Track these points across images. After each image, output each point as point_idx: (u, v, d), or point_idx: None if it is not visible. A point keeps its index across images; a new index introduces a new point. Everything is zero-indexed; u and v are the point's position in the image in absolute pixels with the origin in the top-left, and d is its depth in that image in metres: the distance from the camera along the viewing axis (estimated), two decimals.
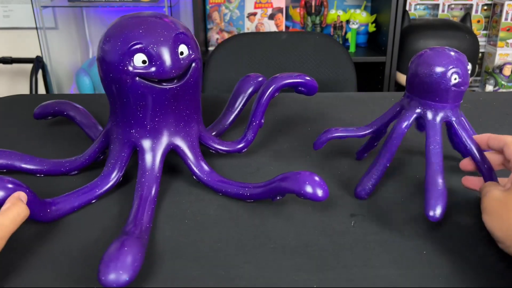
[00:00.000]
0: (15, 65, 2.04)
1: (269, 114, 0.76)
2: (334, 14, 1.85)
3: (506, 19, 1.86)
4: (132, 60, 0.49)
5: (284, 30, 1.87)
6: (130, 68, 0.50)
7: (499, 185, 0.47)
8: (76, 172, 0.58)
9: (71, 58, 2.03)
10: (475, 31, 1.96)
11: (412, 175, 0.58)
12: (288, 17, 1.91)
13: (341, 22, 1.81)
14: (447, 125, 0.53)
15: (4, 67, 2.06)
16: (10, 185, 0.43)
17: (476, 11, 1.95)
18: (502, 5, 1.85)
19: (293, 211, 0.51)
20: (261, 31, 1.85)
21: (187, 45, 0.52)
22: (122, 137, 0.54)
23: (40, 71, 1.93)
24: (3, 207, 0.42)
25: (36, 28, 1.80)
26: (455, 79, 0.50)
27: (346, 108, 0.79)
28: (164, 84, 0.51)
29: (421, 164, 0.61)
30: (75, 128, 0.70)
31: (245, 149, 0.61)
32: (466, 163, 0.53)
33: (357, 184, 0.53)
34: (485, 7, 1.95)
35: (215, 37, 1.87)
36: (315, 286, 0.41)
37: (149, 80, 0.50)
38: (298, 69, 1.22)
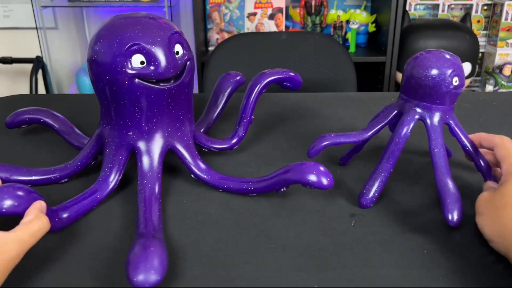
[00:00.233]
0: (15, 65, 2.04)
1: (268, 114, 0.76)
2: (334, 14, 1.85)
3: (506, 19, 1.86)
4: (130, 61, 0.49)
5: (284, 30, 1.87)
6: (128, 69, 0.49)
7: (496, 185, 0.49)
8: (66, 180, 0.56)
9: (71, 58, 2.03)
10: (475, 31, 1.96)
11: (412, 175, 0.58)
12: (288, 17, 1.91)
13: (341, 22, 1.81)
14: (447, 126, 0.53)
15: (4, 67, 2.06)
16: (20, 193, 0.42)
17: (476, 11, 1.95)
18: (502, 5, 1.85)
19: (294, 211, 0.51)
20: (261, 31, 1.85)
21: (181, 44, 0.52)
22: (118, 140, 0.54)
23: (40, 71, 1.93)
24: (25, 219, 0.41)
25: (36, 28, 1.80)
26: (456, 81, 0.50)
27: (346, 108, 0.79)
28: (162, 84, 0.51)
29: (421, 164, 0.61)
30: (52, 134, 0.68)
31: (237, 146, 0.61)
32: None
33: (360, 192, 0.52)
34: (485, 7, 1.95)
35: (215, 37, 1.87)
36: (315, 286, 0.41)
37: (146, 80, 0.50)
38: (298, 69, 1.22)
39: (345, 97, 0.87)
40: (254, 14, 1.84)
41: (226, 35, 1.86)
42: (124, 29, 0.50)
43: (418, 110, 0.52)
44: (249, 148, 0.65)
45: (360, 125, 0.61)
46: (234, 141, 0.61)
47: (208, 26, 1.86)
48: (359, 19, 1.82)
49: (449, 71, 0.50)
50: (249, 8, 1.84)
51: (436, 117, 0.52)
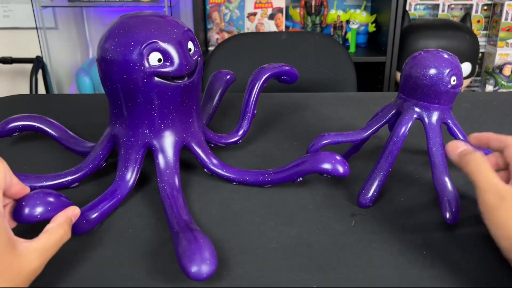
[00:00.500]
0: (15, 65, 2.04)
1: (268, 114, 0.76)
2: (334, 14, 1.85)
3: (506, 19, 1.86)
4: (148, 59, 0.49)
5: (284, 30, 1.87)
6: (147, 67, 0.49)
7: (490, 168, 0.43)
8: (76, 184, 0.55)
9: (71, 58, 2.03)
10: (475, 31, 1.96)
11: (412, 175, 0.58)
12: (288, 17, 1.91)
13: (341, 22, 1.81)
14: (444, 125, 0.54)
15: (4, 67, 2.06)
16: (51, 199, 0.42)
17: (476, 11, 1.95)
18: (502, 5, 1.85)
19: (294, 211, 0.51)
20: (261, 31, 1.85)
21: (193, 41, 0.53)
22: (134, 139, 0.53)
23: (40, 71, 1.93)
24: (49, 226, 0.40)
25: (36, 28, 1.80)
26: (454, 81, 0.50)
27: (346, 108, 0.79)
28: (176, 81, 0.51)
29: (420, 164, 0.61)
30: (43, 141, 0.67)
31: (241, 140, 0.62)
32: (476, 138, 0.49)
33: (359, 192, 0.52)
34: (485, 7, 1.95)
35: (215, 37, 1.87)
36: (315, 286, 0.41)
37: (164, 78, 0.50)
38: (298, 69, 1.21)
39: (345, 97, 0.87)
40: (254, 14, 1.84)
41: (226, 35, 1.86)
42: (140, 28, 0.50)
43: (417, 109, 0.52)
44: (249, 148, 0.65)
45: (360, 125, 0.61)
46: (239, 135, 0.62)
47: (208, 26, 1.86)
48: (359, 19, 1.82)
49: (447, 71, 0.50)
50: (249, 8, 1.84)
51: (434, 116, 0.52)
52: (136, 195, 0.54)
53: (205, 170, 0.57)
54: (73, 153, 0.62)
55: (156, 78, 0.50)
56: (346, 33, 1.84)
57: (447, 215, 0.48)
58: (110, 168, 0.59)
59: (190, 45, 0.52)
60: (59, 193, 0.43)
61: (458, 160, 0.45)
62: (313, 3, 1.82)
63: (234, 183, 0.56)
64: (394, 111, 0.55)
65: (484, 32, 1.98)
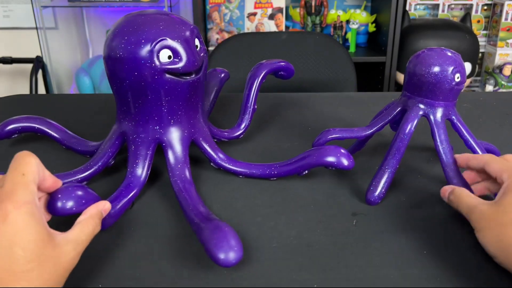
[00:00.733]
0: (15, 65, 2.04)
1: (268, 114, 0.76)
2: (334, 14, 1.85)
3: (506, 19, 1.86)
4: (159, 56, 0.50)
5: (284, 30, 1.87)
6: (157, 65, 0.50)
7: (469, 192, 0.47)
8: (85, 183, 0.55)
9: (71, 58, 2.03)
10: (475, 31, 1.96)
11: (412, 175, 0.58)
12: (288, 17, 1.91)
13: (341, 22, 1.81)
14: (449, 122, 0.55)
15: (4, 67, 2.06)
16: (82, 193, 0.42)
17: (476, 11, 1.96)
18: (502, 5, 1.86)
19: (295, 211, 0.51)
20: (261, 31, 1.85)
21: (199, 38, 0.54)
22: (144, 135, 0.54)
23: (40, 71, 1.93)
24: (80, 219, 0.41)
25: (36, 28, 1.80)
26: (458, 78, 0.51)
27: (346, 108, 0.79)
28: (184, 77, 0.52)
29: (421, 164, 0.61)
30: (42, 142, 0.66)
31: (243, 135, 0.64)
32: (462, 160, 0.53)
33: (368, 189, 0.53)
34: (485, 7, 1.95)
35: (215, 37, 1.87)
36: (315, 286, 0.41)
37: (174, 74, 0.51)
38: (298, 69, 1.22)
39: (345, 97, 0.87)
40: (254, 14, 1.84)
41: (226, 35, 1.86)
42: (149, 26, 0.50)
43: (422, 106, 0.53)
44: (249, 148, 0.65)
45: (360, 125, 0.61)
46: (241, 129, 0.63)
47: (208, 26, 1.86)
48: (359, 19, 1.82)
49: (451, 68, 0.51)
50: (249, 8, 1.84)
51: (439, 113, 0.53)
52: (149, 190, 0.55)
53: (211, 164, 0.58)
54: (75, 153, 0.62)
55: (167, 75, 0.51)
56: (346, 33, 1.84)
57: None
58: (116, 165, 0.59)
59: (197, 42, 0.53)
60: (89, 187, 0.44)
61: (449, 201, 0.49)
62: (313, 3, 1.82)
63: (241, 177, 0.57)
64: (399, 108, 0.56)
65: (484, 32, 1.98)
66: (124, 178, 0.54)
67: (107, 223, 0.47)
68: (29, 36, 1.97)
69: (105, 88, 1.80)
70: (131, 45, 0.50)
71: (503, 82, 1.91)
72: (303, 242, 0.47)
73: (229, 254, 0.40)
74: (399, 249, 0.46)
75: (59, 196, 0.41)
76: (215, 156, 0.57)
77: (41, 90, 1.98)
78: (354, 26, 1.79)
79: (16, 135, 0.63)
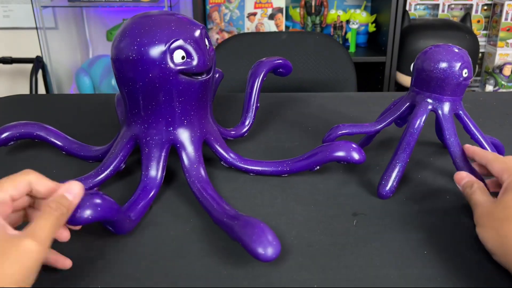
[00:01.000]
0: (15, 65, 2.04)
1: (268, 114, 0.76)
2: (334, 14, 1.85)
3: (506, 19, 1.86)
4: (173, 57, 0.50)
5: (284, 30, 1.87)
6: (172, 66, 0.50)
7: (486, 191, 0.48)
8: (96, 188, 0.54)
9: (71, 58, 2.03)
10: (475, 31, 1.96)
11: (413, 175, 0.58)
12: (288, 17, 1.91)
13: (341, 22, 1.81)
14: (456, 116, 0.56)
15: (4, 67, 2.06)
16: (98, 201, 0.41)
17: (476, 11, 1.96)
18: (502, 5, 1.85)
19: (295, 211, 0.51)
20: (261, 31, 1.85)
21: (207, 38, 0.54)
22: (158, 137, 0.54)
23: (40, 71, 1.93)
24: (39, 212, 0.39)
25: (36, 28, 1.80)
26: (465, 73, 0.53)
27: (346, 108, 0.79)
28: (195, 77, 0.52)
29: (421, 164, 0.61)
30: (40, 149, 0.65)
31: (247, 133, 0.64)
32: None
33: (379, 183, 0.54)
34: (485, 7, 1.95)
35: (215, 37, 1.87)
36: (315, 286, 0.41)
37: (187, 75, 0.51)
38: (298, 69, 1.22)
39: (345, 97, 0.87)
40: (254, 14, 1.84)
41: (226, 35, 1.86)
42: (161, 27, 0.50)
43: (430, 101, 0.55)
44: (249, 148, 0.65)
45: None
46: (246, 127, 0.64)
47: (208, 26, 1.86)
48: (359, 19, 1.82)
49: (459, 64, 0.52)
50: (249, 8, 1.84)
51: (447, 107, 0.54)
52: (164, 192, 0.55)
53: (222, 163, 0.58)
54: (77, 158, 0.61)
55: (181, 76, 0.51)
56: (346, 33, 1.84)
57: None
58: (127, 168, 0.59)
59: (206, 41, 0.53)
60: (108, 197, 0.43)
61: (462, 190, 0.50)
62: (313, 3, 1.82)
63: (252, 174, 0.58)
64: (407, 104, 0.57)
65: (484, 32, 1.98)
66: (136, 181, 0.54)
67: (128, 228, 0.47)
68: (29, 36, 1.97)
69: (105, 88, 1.80)
70: (144, 47, 0.49)
71: (503, 82, 1.91)
72: (303, 242, 0.47)
73: (268, 249, 0.40)
74: (399, 249, 0.46)
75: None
76: (226, 155, 0.57)
77: (41, 90, 1.98)
78: (354, 26, 1.79)
79: (12, 142, 0.61)
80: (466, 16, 1.80)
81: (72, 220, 0.40)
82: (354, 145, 0.53)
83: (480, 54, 1.97)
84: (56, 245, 0.46)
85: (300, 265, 0.44)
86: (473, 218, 0.47)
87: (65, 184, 0.40)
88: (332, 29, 1.82)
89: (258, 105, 0.65)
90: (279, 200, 0.53)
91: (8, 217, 0.39)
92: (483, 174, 0.53)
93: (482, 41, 1.99)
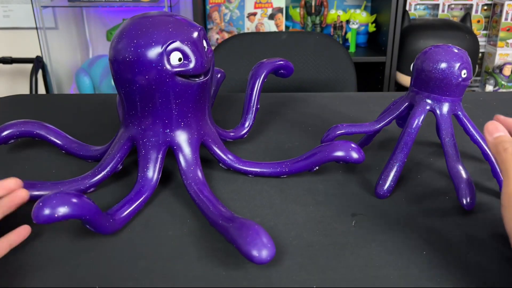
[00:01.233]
0: (15, 65, 2.04)
1: (268, 114, 0.76)
2: (334, 14, 1.85)
3: (506, 19, 1.86)
4: (169, 59, 0.49)
5: (284, 30, 1.87)
6: (169, 67, 0.50)
7: None
8: (93, 189, 0.54)
9: (71, 58, 2.03)
10: (475, 31, 1.96)
11: (413, 175, 0.58)
12: (288, 17, 1.91)
13: (341, 22, 1.81)
14: (455, 117, 0.56)
15: (4, 67, 2.06)
16: (75, 200, 0.41)
17: (476, 11, 1.95)
18: (502, 5, 1.85)
19: (295, 211, 0.51)
20: (261, 31, 1.85)
21: (206, 40, 0.54)
22: (154, 139, 0.54)
23: (40, 71, 1.93)
24: None
25: (36, 28, 1.80)
26: (464, 74, 0.52)
27: (346, 108, 0.79)
28: (192, 79, 0.52)
29: (421, 164, 0.61)
30: (40, 148, 0.65)
31: (247, 134, 0.64)
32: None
33: (377, 184, 0.54)
34: (485, 7, 1.95)
35: (215, 37, 1.87)
36: (315, 286, 0.41)
37: (184, 77, 0.51)
38: (298, 69, 1.22)
39: (345, 97, 0.87)
40: (254, 14, 1.84)
41: (226, 35, 1.86)
42: (158, 28, 0.50)
43: (429, 101, 0.54)
44: (249, 148, 0.65)
45: None
46: (245, 129, 0.64)
47: (208, 26, 1.86)
48: (359, 19, 1.82)
49: (458, 64, 0.52)
50: (249, 8, 1.84)
51: (446, 108, 0.54)
52: (161, 193, 0.55)
53: (220, 165, 0.58)
54: (76, 158, 0.61)
55: (178, 77, 0.50)
56: (346, 33, 1.84)
57: (464, 201, 0.50)
58: (124, 169, 0.59)
59: (204, 43, 0.53)
60: (85, 196, 0.43)
61: (493, 144, 0.42)
62: (313, 3, 1.82)
63: (251, 176, 0.57)
64: (406, 104, 0.57)
65: (484, 32, 1.98)
66: (133, 182, 0.53)
67: (111, 228, 0.47)
68: (29, 36, 1.97)
69: (105, 88, 1.80)
70: (141, 48, 0.49)
71: (503, 82, 1.91)
72: (303, 243, 0.47)
73: (262, 251, 0.40)
74: (399, 249, 0.46)
75: (40, 204, 0.39)
76: (224, 157, 0.57)
77: (41, 90, 1.98)
78: (354, 26, 1.79)
79: (13, 141, 0.62)
80: (466, 16, 1.80)
81: (39, 217, 0.39)
82: (353, 145, 0.53)
83: (480, 54, 1.97)
84: (49, 246, 0.46)
85: (300, 265, 0.44)
86: (503, 190, 0.40)
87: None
88: (332, 29, 1.82)
89: (258, 106, 0.64)
90: (278, 201, 0.53)
91: None
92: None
93: (482, 41, 1.99)
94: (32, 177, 0.58)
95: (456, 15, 1.96)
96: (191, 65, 0.50)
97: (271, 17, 1.84)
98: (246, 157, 0.61)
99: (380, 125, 0.58)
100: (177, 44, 0.49)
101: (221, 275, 0.42)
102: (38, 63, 1.90)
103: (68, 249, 0.46)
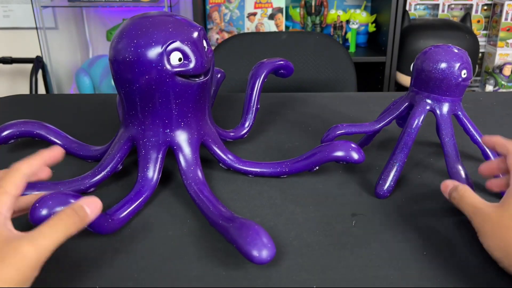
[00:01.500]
0: (15, 65, 2.04)
1: (268, 114, 0.76)
2: (334, 14, 1.85)
3: (506, 19, 1.86)
4: (169, 59, 0.49)
5: (284, 30, 1.87)
6: (169, 67, 0.49)
7: (474, 193, 0.45)
8: (93, 189, 0.54)
9: (71, 58, 2.03)
10: (475, 31, 1.96)
11: (413, 175, 0.58)
12: (288, 17, 1.91)
13: (341, 22, 1.81)
14: (455, 117, 0.56)
15: (4, 67, 2.06)
16: (71, 200, 0.40)
17: (476, 11, 1.95)
18: (502, 5, 1.85)
19: (294, 211, 0.51)
20: (261, 31, 1.85)
21: (206, 40, 0.54)
22: (154, 139, 0.54)
23: (40, 71, 1.93)
24: (50, 219, 0.38)
25: (36, 28, 1.80)
26: (464, 74, 0.53)
27: (346, 108, 0.79)
28: (192, 79, 0.52)
29: (421, 164, 0.61)
30: (43, 146, 0.64)
31: (247, 134, 0.64)
32: (485, 168, 0.50)
33: (377, 184, 0.54)
34: (485, 7, 1.95)
35: (215, 37, 1.87)
36: (315, 286, 0.41)
37: (184, 77, 0.51)
38: (298, 69, 1.22)
39: (345, 97, 0.87)
40: (254, 14, 1.84)
41: (226, 35, 1.86)
42: (158, 28, 0.50)
43: (429, 101, 0.55)
44: (249, 149, 0.65)
45: None
46: (246, 129, 0.64)
47: (208, 26, 1.86)
48: (359, 19, 1.82)
49: (458, 64, 0.52)
50: (249, 8, 1.84)
51: (446, 108, 0.54)
52: (161, 193, 0.55)
53: (221, 165, 0.58)
54: (76, 158, 0.61)
55: (178, 77, 0.50)
56: (346, 33, 1.84)
57: None
58: (125, 169, 0.59)
59: (204, 43, 0.53)
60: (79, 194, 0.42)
61: (449, 198, 0.48)
62: (313, 3, 1.82)
63: (251, 176, 0.57)
64: (406, 104, 0.57)
65: (484, 32, 1.98)
66: (133, 182, 0.53)
67: (108, 228, 0.47)
68: (29, 36, 1.97)
69: (105, 88, 1.80)
70: (141, 48, 0.49)
71: (503, 82, 1.91)
72: (303, 243, 0.47)
73: (262, 251, 0.40)
74: (399, 249, 0.46)
75: (38, 204, 0.39)
76: (224, 157, 0.57)
77: (41, 90, 1.98)
78: (354, 26, 1.79)
79: (13, 141, 0.62)
80: (466, 16, 1.80)
81: (35, 217, 0.39)
82: (353, 145, 0.53)
83: (480, 54, 1.97)
84: None
85: (300, 265, 0.44)
86: (473, 225, 0.44)
87: (87, 197, 0.41)
88: (332, 29, 1.82)
89: (258, 106, 0.64)
90: (278, 201, 0.53)
91: (11, 216, 0.39)
92: (495, 174, 0.50)
93: (482, 41, 1.99)
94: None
95: (456, 15, 1.96)
96: (191, 65, 0.50)
97: (271, 17, 1.84)
98: (246, 157, 0.61)
99: (380, 125, 0.58)
100: (177, 44, 0.49)
101: (221, 275, 0.42)
102: (38, 63, 1.90)
103: (68, 249, 0.45)
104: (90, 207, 0.40)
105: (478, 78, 2.03)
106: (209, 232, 0.48)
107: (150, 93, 0.51)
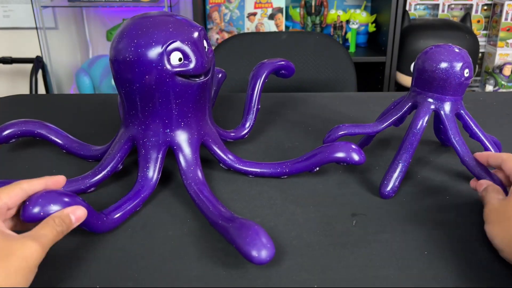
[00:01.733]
0: (15, 65, 2.04)
1: (268, 114, 0.76)
2: (334, 14, 1.85)
3: (506, 19, 1.86)
4: (169, 59, 0.49)
5: (284, 30, 1.87)
6: (169, 67, 0.50)
7: (500, 191, 0.48)
8: (93, 189, 0.54)
9: (71, 58, 2.03)
10: (475, 31, 1.96)
11: (413, 175, 0.58)
12: (288, 17, 1.91)
13: (341, 22, 1.81)
14: (457, 116, 0.56)
15: (4, 67, 2.06)
16: (67, 199, 0.41)
17: (476, 11, 1.95)
18: (502, 5, 1.85)
19: (294, 211, 0.51)
20: (261, 31, 1.85)
21: (206, 40, 0.54)
22: (155, 139, 0.54)
23: (40, 71, 1.93)
24: (47, 219, 0.39)
25: (36, 28, 1.80)
26: (467, 73, 0.53)
27: (346, 108, 0.79)
28: (192, 79, 0.52)
29: (421, 164, 0.61)
30: (41, 147, 0.65)
31: (248, 135, 0.64)
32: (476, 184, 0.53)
33: (381, 184, 0.54)
34: (485, 7, 1.95)
35: (215, 37, 1.87)
36: (315, 286, 0.41)
37: (185, 77, 0.51)
38: (298, 69, 1.22)
39: (345, 97, 0.87)
40: (254, 14, 1.84)
41: (226, 35, 1.86)
42: (158, 28, 0.50)
43: (432, 101, 0.55)
44: (249, 149, 0.65)
45: None
46: (246, 129, 0.64)
47: (208, 26, 1.86)
48: (359, 19, 1.82)
49: (461, 64, 0.52)
50: (249, 8, 1.84)
51: (449, 107, 0.55)
52: (161, 193, 0.55)
53: (221, 165, 0.58)
54: (77, 157, 0.61)
55: (178, 77, 0.50)
56: (346, 33, 1.84)
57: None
58: (125, 169, 0.59)
59: (205, 43, 0.53)
60: (77, 196, 0.43)
61: (480, 196, 0.50)
62: (313, 3, 1.82)
63: (251, 176, 0.57)
64: (409, 104, 0.57)
65: (484, 32, 1.98)
66: (133, 182, 0.53)
67: (103, 227, 0.47)
68: (29, 36, 1.97)
69: (105, 88, 1.80)
70: (141, 48, 0.49)
71: (503, 82, 1.91)
72: (303, 243, 0.47)
73: (262, 251, 0.40)
74: (399, 249, 0.46)
75: (27, 203, 0.40)
76: (225, 157, 0.57)
77: (41, 90, 1.98)
78: (354, 26, 1.79)
79: (14, 140, 0.62)
80: (466, 16, 1.79)
81: (25, 215, 0.40)
82: (354, 146, 0.53)
83: (480, 54, 1.97)
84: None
85: (300, 265, 0.44)
86: (483, 216, 0.47)
87: (72, 207, 0.42)
88: (332, 29, 1.82)
89: (259, 106, 0.64)
90: (278, 201, 0.53)
91: (3, 223, 0.40)
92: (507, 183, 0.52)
93: (482, 41, 1.99)
94: (33, 177, 0.57)
95: (456, 15, 1.96)
96: (192, 65, 0.50)
97: (271, 17, 1.84)
98: (247, 157, 0.61)
99: (383, 126, 0.58)
100: (177, 44, 0.49)
101: (221, 275, 0.42)
102: (38, 63, 1.90)
103: (68, 249, 0.45)
104: (75, 215, 0.41)
105: (478, 78, 2.03)
106: (209, 232, 0.48)
107: (150, 93, 0.51)
